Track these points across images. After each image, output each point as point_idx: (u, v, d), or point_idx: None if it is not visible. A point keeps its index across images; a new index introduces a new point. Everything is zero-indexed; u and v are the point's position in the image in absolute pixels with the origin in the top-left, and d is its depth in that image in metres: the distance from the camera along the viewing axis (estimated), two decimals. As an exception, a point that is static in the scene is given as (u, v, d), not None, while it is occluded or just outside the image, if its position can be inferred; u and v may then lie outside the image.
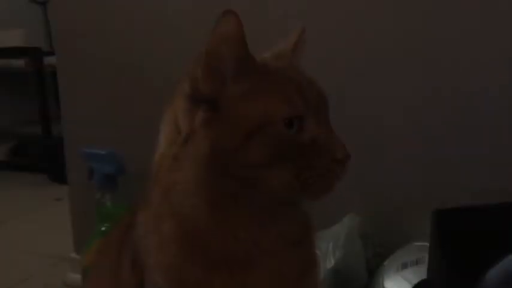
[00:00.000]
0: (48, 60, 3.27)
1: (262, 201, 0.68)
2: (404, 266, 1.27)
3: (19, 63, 3.38)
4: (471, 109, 1.35)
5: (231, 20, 0.64)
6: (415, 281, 1.18)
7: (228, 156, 0.66)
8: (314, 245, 0.79)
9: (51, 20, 2.08)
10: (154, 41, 1.67)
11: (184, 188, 0.69)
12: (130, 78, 1.71)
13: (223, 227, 0.69)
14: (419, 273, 1.21)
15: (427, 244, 1.13)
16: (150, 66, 1.67)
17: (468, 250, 0.97)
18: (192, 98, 0.68)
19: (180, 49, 1.61)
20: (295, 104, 0.66)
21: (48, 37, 3.55)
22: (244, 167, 0.66)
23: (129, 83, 1.72)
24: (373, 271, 1.39)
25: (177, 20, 1.63)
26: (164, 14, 1.65)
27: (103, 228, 1.64)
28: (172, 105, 0.72)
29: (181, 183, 0.69)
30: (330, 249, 1.39)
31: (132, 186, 1.67)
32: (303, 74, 0.72)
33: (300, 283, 0.74)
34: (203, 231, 0.70)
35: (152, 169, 0.74)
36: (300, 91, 0.68)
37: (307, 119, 0.67)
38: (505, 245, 0.96)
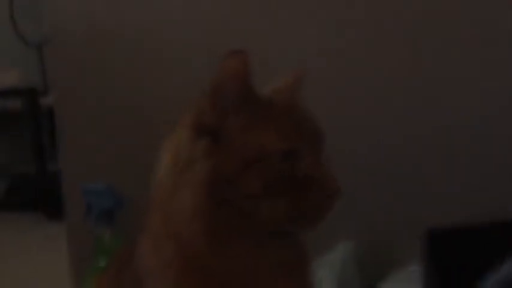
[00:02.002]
0: (43, 100, 3.31)
1: (257, 229, 0.71)
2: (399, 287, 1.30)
3: (14, 103, 3.42)
4: (461, 136, 1.40)
5: (240, 57, 0.69)
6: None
7: (225, 185, 0.69)
8: (310, 273, 0.82)
9: (48, 59, 2.12)
10: (152, 77, 1.72)
11: (183, 215, 0.72)
12: (127, 113, 1.75)
13: (221, 254, 0.72)
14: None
15: (420, 265, 1.15)
16: (149, 102, 1.71)
17: (460, 268, 1.00)
18: (195, 127, 0.72)
19: (178, 86, 1.66)
20: (291, 138, 0.71)
21: (43, 77, 3.60)
22: (241, 197, 0.69)
23: (126, 118, 1.76)
24: (370, 296, 1.40)
25: (175, 58, 1.68)
26: (163, 52, 1.70)
27: (102, 264, 1.65)
28: (175, 134, 0.75)
29: (180, 210, 0.72)
30: (325, 276, 1.41)
31: (131, 220, 1.69)
32: (302, 109, 0.76)
33: None
34: (201, 258, 0.72)
35: (151, 196, 0.77)
36: (297, 126, 0.72)
37: (302, 153, 0.71)
38: (497, 262, 0.99)
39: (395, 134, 1.47)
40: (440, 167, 1.42)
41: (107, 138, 1.80)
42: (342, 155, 1.50)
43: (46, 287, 2.19)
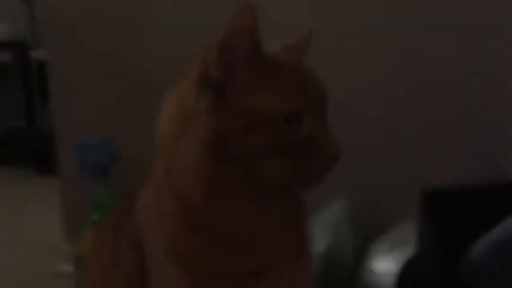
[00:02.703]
0: (33, 53, 3.26)
1: (258, 186, 0.71)
2: (392, 247, 1.31)
3: (3, 57, 3.37)
4: (455, 95, 1.40)
5: (249, 14, 0.68)
6: (403, 261, 1.22)
7: (227, 142, 0.69)
8: (308, 226, 0.83)
9: (39, 12, 2.08)
10: (146, 31, 1.69)
11: (184, 168, 0.72)
12: (122, 68, 1.73)
13: (220, 208, 0.72)
14: (406, 254, 1.25)
15: (414, 226, 1.17)
16: (143, 56, 1.69)
17: (456, 229, 1.01)
18: (200, 81, 0.71)
19: (173, 40, 1.63)
20: (296, 100, 0.70)
21: (33, 30, 3.53)
22: (242, 154, 0.69)
23: (120, 72, 1.74)
24: (362, 254, 1.42)
25: (171, 12, 1.65)
26: (159, 5, 1.67)
27: (96, 217, 1.65)
28: (180, 84, 0.74)
29: (181, 163, 0.72)
30: (319, 233, 1.43)
31: (125, 174, 1.69)
32: (307, 70, 0.75)
33: (295, 260, 0.78)
34: (201, 211, 0.73)
35: (155, 145, 0.77)
36: (302, 88, 0.71)
37: (305, 115, 0.71)
38: (492, 224, 1.00)
39: (392, 94, 1.47)
40: (437, 128, 1.42)
41: (100, 92, 1.78)
42: (338, 113, 1.50)
43: (38, 241, 2.19)
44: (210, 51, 0.70)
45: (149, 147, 0.77)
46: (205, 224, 0.73)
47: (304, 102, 0.70)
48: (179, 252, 0.74)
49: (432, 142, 1.43)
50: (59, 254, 1.96)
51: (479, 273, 0.90)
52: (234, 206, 0.72)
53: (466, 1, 1.36)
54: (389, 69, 1.46)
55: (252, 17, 0.68)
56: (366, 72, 1.49)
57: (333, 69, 1.48)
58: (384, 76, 1.47)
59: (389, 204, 1.50)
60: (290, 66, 0.73)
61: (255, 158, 0.69)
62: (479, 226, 0.98)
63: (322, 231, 1.44)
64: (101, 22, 1.76)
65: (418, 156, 1.45)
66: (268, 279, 0.75)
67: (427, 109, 1.43)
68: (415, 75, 1.44)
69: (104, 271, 0.88)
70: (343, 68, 1.50)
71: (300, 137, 0.70)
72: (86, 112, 1.80)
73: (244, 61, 0.70)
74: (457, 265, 0.95)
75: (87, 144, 1.66)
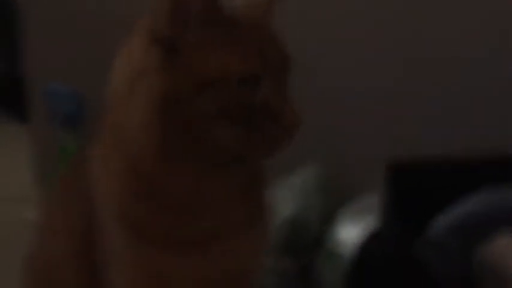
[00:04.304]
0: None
1: (209, 152, 0.68)
2: (359, 217, 1.31)
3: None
4: (430, 64, 1.37)
5: None
6: (369, 230, 1.22)
7: (178, 103, 0.65)
8: (264, 195, 0.80)
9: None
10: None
11: (133, 128, 0.68)
12: (94, 16, 1.68)
13: (169, 172, 0.69)
14: (372, 225, 1.24)
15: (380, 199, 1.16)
16: (116, 4, 1.64)
17: (420, 203, 1.00)
18: (150, 35, 0.67)
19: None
20: (253, 63, 0.65)
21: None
22: (193, 118, 0.65)
23: (92, 21, 1.68)
24: (329, 221, 1.42)
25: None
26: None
27: (63, 167, 1.63)
28: (132, 38, 0.70)
29: (130, 122, 0.69)
30: (287, 198, 1.42)
31: (95, 126, 1.67)
32: (270, 31, 0.70)
33: (248, 230, 0.75)
34: (148, 174, 0.70)
35: (105, 103, 0.73)
36: (261, 50, 0.66)
37: (263, 80, 0.66)
38: (455, 198, 0.99)
39: (367, 64, 1.44)
40: (410, 100, 1.40)
41: (73, 41, 1.73)
42: (311, 81, 1.48)
43: (7, 188, 2.17)
44: (161, 5, 0.65)
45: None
46: (154, 189, 0.70)
47: (261, 65, 0.66)
48: (127, 216, 0.72)
49: (405, 114, 1.41)
50: (28, 203, 1.94)
51: (436, 252, 0.89)
52: (183, 171, 0.69)
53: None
54: (368, 40, 1.43)
55: None
56: (340, 40, 1.45)
57: (310, 35, 1.44)
58: (358, 46, 1.44)
59: (360, 173, 1.48)
60: (250, 25, 0.68)
61: (206, 122, 0.65)
62: (442, 200, 0.96)
63: (291, 195, 1.43)
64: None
65: (391, 127, 1.44)
66: (216, 248, 0.73)
67: (400, 81, 1.41)
68: (387, 49, 1.40)
69: (57, 213, 0.86)
70: (319, 34, 1.46)
71: (255, 102, 0.66)
72: (57, 60, 1.75)
73: (197, 17, 0.65)
74: (416, 241, 0.94)
75: (57, 93, 1.62)
